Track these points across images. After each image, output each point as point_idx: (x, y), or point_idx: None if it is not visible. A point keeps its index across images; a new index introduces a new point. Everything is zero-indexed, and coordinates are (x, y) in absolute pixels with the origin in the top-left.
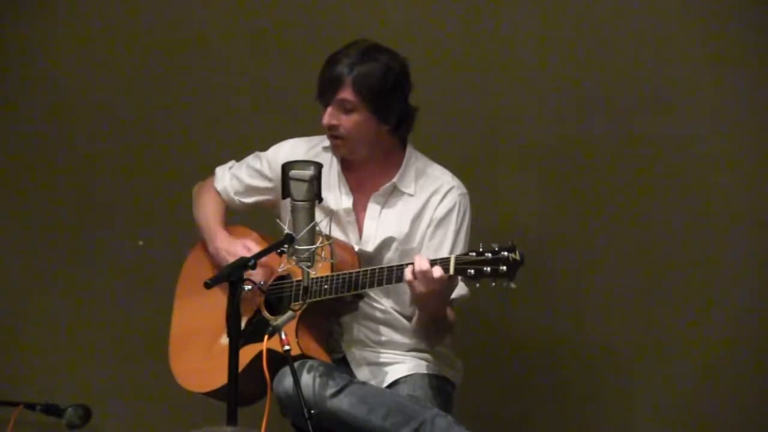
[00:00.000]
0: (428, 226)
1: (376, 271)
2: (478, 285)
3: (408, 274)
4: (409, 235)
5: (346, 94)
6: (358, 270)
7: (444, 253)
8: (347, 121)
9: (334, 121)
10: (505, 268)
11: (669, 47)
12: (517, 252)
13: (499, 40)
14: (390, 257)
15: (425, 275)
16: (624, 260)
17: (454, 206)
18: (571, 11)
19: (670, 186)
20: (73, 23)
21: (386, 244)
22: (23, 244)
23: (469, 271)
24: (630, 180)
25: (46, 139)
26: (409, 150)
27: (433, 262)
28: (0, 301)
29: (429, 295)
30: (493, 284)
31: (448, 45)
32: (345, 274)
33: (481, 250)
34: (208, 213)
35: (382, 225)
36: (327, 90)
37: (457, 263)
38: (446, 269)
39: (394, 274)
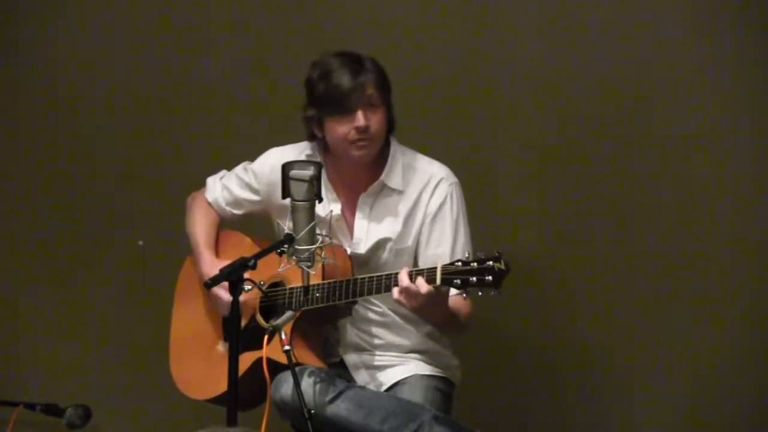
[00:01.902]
0: (422, 224)
1: (366, 280)
2: (465, 295)
3: (395, 292)
4: (402, 234)
5: (371, 92)
6: (349, 278)
7: (446, 246)
8: (375, 119)
9: (367, 122)
10: (490, 278)
11: (669, 47)
12: (502, 261)
13: (498, 39)
14: (385, 258)
15: (408, 291)
16: (623, 260)
17: (445, 199)
18: (571, 11)
19: (669, 185)
20: (73, 25)
21: (379, 245)
22: (23, 243)
23: (455, 281)
24: (630, 180)
25: (46, 140)
26: (394, 145)
27: (419, 273)
28: (0, 302)
29: (420, 308)
30: (480, 293)
31: (448, 45)
32: (335, 282)
33: (467, 259)
34: (197, 231)
35: (373, 226)
36: (353, 94)
37: (443, 273)
38: (433, 280)
39: (383, 284)
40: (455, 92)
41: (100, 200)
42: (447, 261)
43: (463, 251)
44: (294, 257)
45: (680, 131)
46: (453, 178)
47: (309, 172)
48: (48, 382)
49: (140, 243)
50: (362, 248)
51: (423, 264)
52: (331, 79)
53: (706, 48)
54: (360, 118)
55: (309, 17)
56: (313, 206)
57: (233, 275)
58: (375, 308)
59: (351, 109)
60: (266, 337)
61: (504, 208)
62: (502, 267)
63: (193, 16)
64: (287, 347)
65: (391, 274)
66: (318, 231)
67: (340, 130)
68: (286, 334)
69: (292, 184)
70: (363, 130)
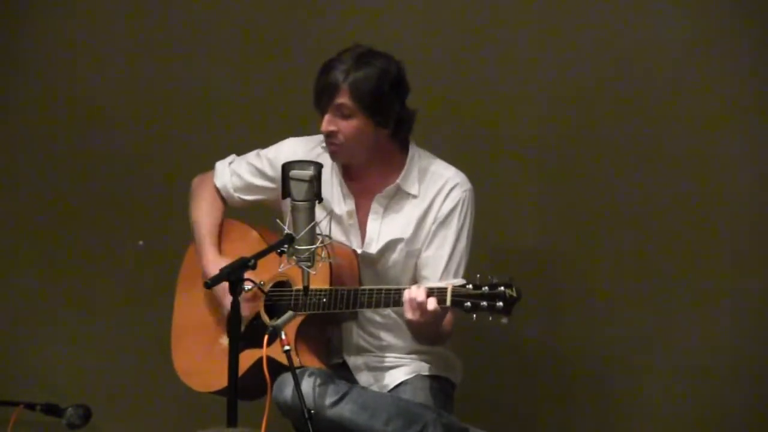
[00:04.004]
0: (432, 225)
1: (374, 292)
2: (474, 317)
3: (405, 295)
4: (413, 237)
5: (343, 99)
6: (356, 288)
7: (446, 249)
8: (346, 127)
9: (332, 128)
10: (501, 304)
11: (670, 46)
12: (514, 288)
13: (498, 39)
14: (395, 259)
15: (420, 306)
16: (626, 261)
17: (457, 204)
18: (571, 11)
19: (671, 186)
20: (72, 23)
21: (390, 246)
22: (23, 243)
23: (465, 304)
24: (631, 181)
25: (45, 140)
26: (412, 149)
27: (430, 292)
28: (0, 302)
29: (421, 323)
30: (490, 318)
31: (448, 45)
32: (344, 290)
33: (478, 282)
34: (203, 223)
35: (385, 227)
36: (323, 96)
37: (453, 295)
38: (443, 300)
39: (392, 298)
40: (455, 92)
41: (100, 200)
42: (443, 264)
43: (459, 259)
44: (294, 257)
45: (681, 131)
46: (467, 185)
47: (309, 172)
48: (48, 382)
49: (140, 243)
50: (373, 248)
51: (419, 262)
52: (319, 73)
53: (707, 47)
54: (324, 123)
55: (310, 17)
56: (313, 206)
57: (233, 275)
58: (379, 310)
59: (321, 111)
60: (266, 338)
61: (504, 208)
62: (514, 294)
63: (193, 15)
64: (287, 347)
65: (400, 288)
66: (322, 231)
67: (320, 127)
68: (286, 334)
69: (292, 184)
70: (327, 135)
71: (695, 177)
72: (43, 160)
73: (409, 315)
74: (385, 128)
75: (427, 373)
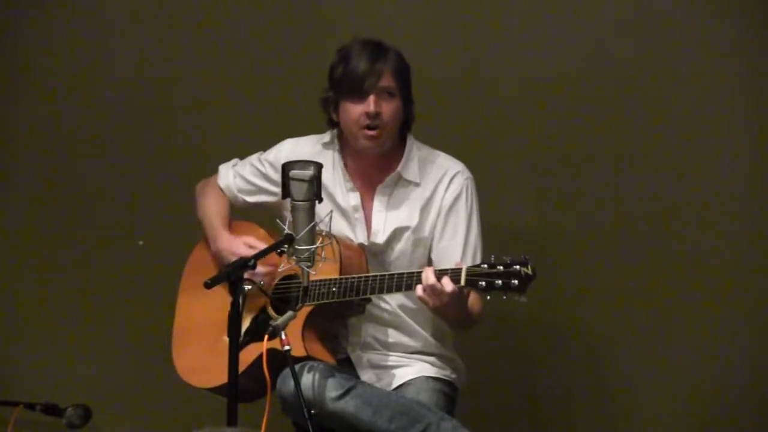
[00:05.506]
0: (438, 215)
1: (386, 278)
2: (489, 297)
3: (419, 290)
4: (419, 225)
5: (388, 81)
6: (367, 275)
7: (459, 239)
8: (388, 108)
9: (379, 109)
10: (516, 282)
11: (669, 46)
12: (529, 266)
13: (499, 39)
14: (402, 249)
15: (433, 289)
16: (625, 258)
17: (461, 192)
18: (571, 11)
19: (670, 183)
20: (72, 22)
21: (396, 235)
22: (23, 243)
23: (480, 283)
24: (630, 178)
25: (45, 139)
26: (410, 140)
27: (443, 273)
28: (0, 302)
29: (442, 307)
30: (504, 297)
31: (448, 45)
32: (354, 278)
33: (492, 262)
34: (211, 212)
35: (390, 217)
36: (365, 80)
37: (468, 275)
38: (457, 280)
39: (404, 283)
40: (455, 92)
41: (100, 200)
42: (459, 253)
43: (475, 245)
44: (294, 257)
45: (681, 131)
46: (468, 173)
47: (309, 172)
48: (48, 382)
49: (140, 243)
50: (380, 239)
51: (435, 256)
52: (350, 62)
53: (706, 48)
54: (370, 104)
55: (310, 17)
56: (313, 206)
57: (233, 275)
58: (386, 307)
59: (364, 93)
60: (266, 338)
61: (505, 207)
62: (529, 272)
63: (194, 13)
64: (287, 347)
65: (412, 273)
66: (323, 230)
67: (352, 113)
68: (286, 334)
69: (292, 184)
70: (372, 116)
71: (696, 173)
72: (43, 160)
73: (430, 302)
74: (405, 114)
75: (431, 375)
